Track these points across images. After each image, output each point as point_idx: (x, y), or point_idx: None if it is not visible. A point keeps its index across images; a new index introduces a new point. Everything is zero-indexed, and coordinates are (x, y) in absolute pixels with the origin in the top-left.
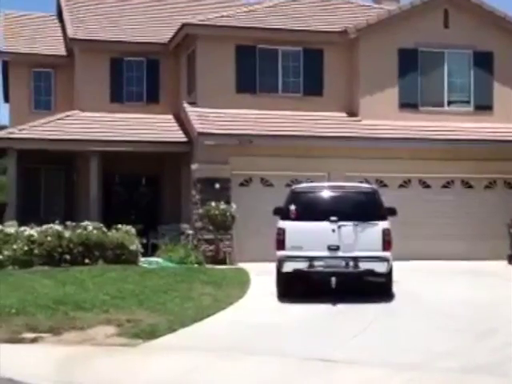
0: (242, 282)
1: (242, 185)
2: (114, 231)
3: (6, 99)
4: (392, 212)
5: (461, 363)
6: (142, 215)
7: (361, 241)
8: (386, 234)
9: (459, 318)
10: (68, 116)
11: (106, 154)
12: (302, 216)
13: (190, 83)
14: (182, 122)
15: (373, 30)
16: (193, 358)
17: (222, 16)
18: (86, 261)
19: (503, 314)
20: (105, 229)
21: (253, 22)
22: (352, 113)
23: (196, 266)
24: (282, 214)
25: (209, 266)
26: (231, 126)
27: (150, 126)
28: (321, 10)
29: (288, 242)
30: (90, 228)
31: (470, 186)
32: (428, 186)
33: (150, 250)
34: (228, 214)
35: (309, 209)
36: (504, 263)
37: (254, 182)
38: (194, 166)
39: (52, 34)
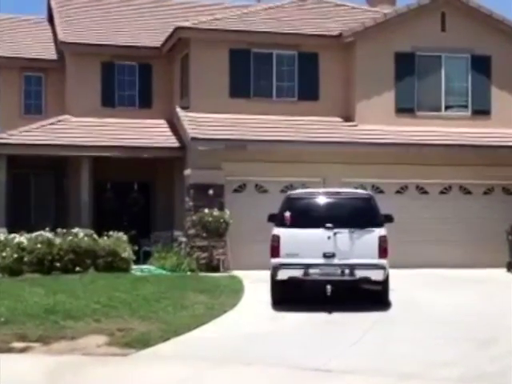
0: (235, 290)
1: (235, 191)
2: (105, 238)
3: None
4: (389, 219)
5: (461, 372)
6: (134, 222)
7: (357, 248)
8: (382, 241)
9: (458, 327)
10: (59, 121)
11: (97, 160)
12: (296, 223)
13: (183, 87)
14: (175, 127)
15: (369, 33)
16: (186, 367)
17: (216, 19)
18: (77, 268)
19: (503, 323)
20: (96, 236)
21: (247, 25)
22: (348, 117)
23: (189, 273)
24: (277, 220)
25: (202, 273)
26: (225, 131)
27: (143, 131)
28: (316, 14)
29: (283, 250)
30: (81, 235)
31: (468, 192)
32: (425, 192)
33: (142, 257)
34: (222, 220)
35: (304, 215)
36: (503, 271)
37: (248, 188)
38: (186, 172)
39: (42, 37)
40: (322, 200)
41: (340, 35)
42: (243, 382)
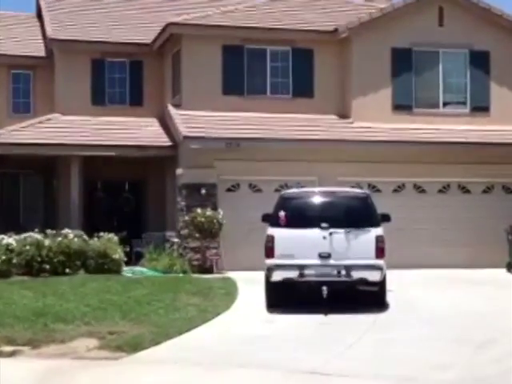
0: (229, 292)
1: (229, 190)
2: (95, 239)
3: None
4: (386, 218)
5: (459, 375)
6: (125, 222)
7: (353, 248)
8: (379, 241)
9: (456, 329)
10: (48, 119)
11: (87, 159)
12: (291, 223)
13: (175, 85)
14: (167, 126)
15: (365, 28)
16: (178, 370)
17: (208, 15)
18: (67, 270)
19: (502, 324)
20: (86, 237)
21: (240, 20)
22: (344, 115)
23: (181, 275)
24: (271, 220)
25: (195, 275)
26: (218, 129)
27: (134, 130)
28: (311, 8)
29: (277, 250)
30: (71, 236)
31: (467, 191)
32: (423, 191)
33: (133, 258)
34: (215, 220)
35: (299, 215)
36: (503, 271)
37: (242, 188)
38: (179, 171)
39: (31, 34)
40: (317, 199)
41: (335, 31)
42: None
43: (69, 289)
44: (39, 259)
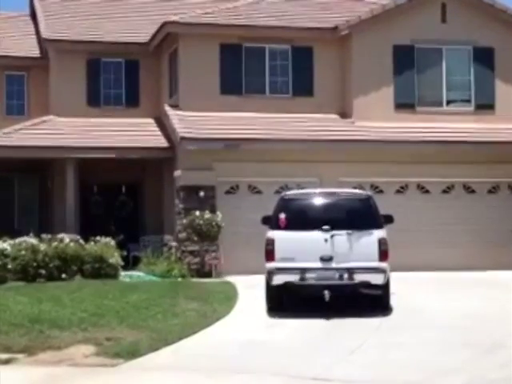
0: (229, 297)
1: (228, 192)
2: (92, 243)
3: None
4: (388, 220)
5: (465, 380)
6: (122, 226)
7: (355, 251)
8: (382, 243)
9: (462, 332)
10: (43, 121)
11: (83, 162)
12: (292, 225)
13: (172, 85)
14: (164, 127)
15: (366, 26)
16: (177, 378)
17: (206, 13)
18: (63, 275)
19: (509, 327)
20: (82, 241)
21: (238, 19)
22: (345, 114)
23: (180, 279)
24: (271, 223)
25: (194, 279)
26: (216, 129)
27: (130, 131)
28: (310, 6)
29: (278, 253)
30: (67, 240)
31: (472, 191)
32: (427, 192)
33: (130, 263)
34: (213, 223)
35: (300, 217)
36: (509, 272)
37: (241, 189)
38: (176, 173)
39: (25, 34)
40: (318, 201)
41: (335, 28)
42: None
43: (65, 294)
44: (35, 264)
